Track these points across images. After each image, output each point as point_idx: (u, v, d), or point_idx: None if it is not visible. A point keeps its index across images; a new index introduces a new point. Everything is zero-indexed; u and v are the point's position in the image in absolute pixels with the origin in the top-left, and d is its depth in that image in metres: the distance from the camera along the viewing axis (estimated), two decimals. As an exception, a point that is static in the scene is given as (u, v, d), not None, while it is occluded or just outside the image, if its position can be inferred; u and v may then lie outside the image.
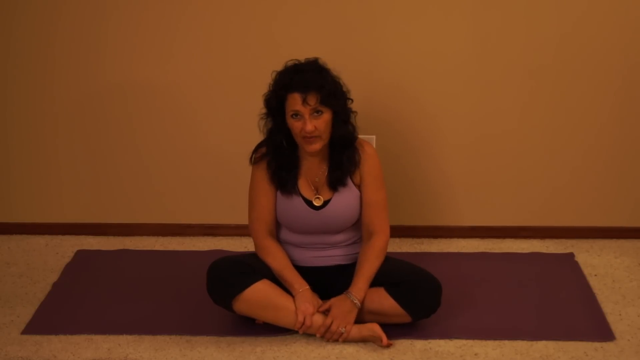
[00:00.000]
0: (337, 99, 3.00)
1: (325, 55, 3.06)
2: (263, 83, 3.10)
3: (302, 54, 3.05)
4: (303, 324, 2.97)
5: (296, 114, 2.96)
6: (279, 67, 3.04)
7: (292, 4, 3.56)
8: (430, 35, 3.58)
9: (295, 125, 2.98)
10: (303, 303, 2.98)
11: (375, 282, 3.04)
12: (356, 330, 2.98)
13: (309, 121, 2.95)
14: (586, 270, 3.49)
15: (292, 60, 3.02)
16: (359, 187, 3.12)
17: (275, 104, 3.01)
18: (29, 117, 3.75)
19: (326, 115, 2.98)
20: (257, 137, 3.14)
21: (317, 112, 2.96)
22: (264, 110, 3.08)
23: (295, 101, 2.95)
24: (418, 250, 3.69)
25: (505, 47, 3.58)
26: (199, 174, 3.79)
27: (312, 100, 2.94)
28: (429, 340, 3.00)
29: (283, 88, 2.98)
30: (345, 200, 3.10)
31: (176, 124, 3.73)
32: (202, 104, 3.70)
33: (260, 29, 3.59)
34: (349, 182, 3.11)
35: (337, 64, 3.05)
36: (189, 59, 3.64)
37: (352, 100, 3.08)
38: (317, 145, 3.00)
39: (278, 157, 3.08)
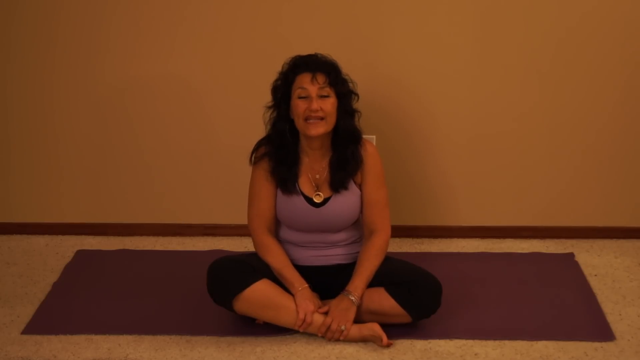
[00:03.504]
0: (344, 86, 3.05)
1: (327, 54, 3.08)
2: (265, 82, 3.11)
3: (307, 52, 3.08)
4: (304, 321, 2.97)
5: (302, 96, 2.98)
6: (281, 66, 3.08)
7: (298, 1, 3.56)
8: (431, 36, 3.58)
9: (300, 105, 2.99)
10: (304, 301, 2.98)
11: (375, 282, 3.04)
12: (356, 330, 2.98)
13: (315, 100, 2.97)
14: (586, 270, 3.49)
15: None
16: (359, 186, 3.13)
17: (283, 88, 3.04)
18: (29, 117, 3.75)
19: (332, 100, 3.01)
20: (259, 136, 3.14)
21: (324, 96, 2.99)
22: (268, 106, 3.10)
23: (304, 79, 3.00)
24: (418, 250, 3.69)
25: (506, 48, 3.58)
26: (199, 173, 3.79)
27: (321, 79, 2.99)
28: (429, 340, 3.00)
29: (293, 69, 3.03)
30: (345, 199, 3.10)
31: (176, 124, 3.73)
32: (202, 104, 3.70)
33: (265, 26, 3.59)
34: (350, 182, 3.11)
35: (340, 62, 3.07)
36: (190, 59, 3.64)
37: (358, 97, 3.10)
38: (320, 129, 3.00)
39: (279, 150, 3.08)
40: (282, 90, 3.05)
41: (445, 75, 3.63)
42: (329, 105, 3.00)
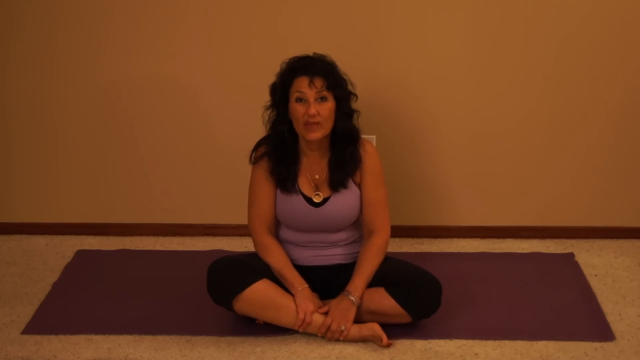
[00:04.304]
0: (343, 89, 3.03)
1: (327, 54, 3.07)
2: (264, 82, 3.11)
3: (305, 53, 3.07)
4: (304, 321, 2.97)
5: (300, 99, 2.98)
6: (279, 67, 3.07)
7: (297, 1, 3.56)
8: (431, 36, 3.58)
9: (298, 109, 2.98)
10: (304, 301, 2.98)
11: (375, 282, 3.04)
12: (356, 330, 2.98)
13: (312, 104, 2.96)
14: (586, 270, 3.49)
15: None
16: (359, 185, 3.13)
17: (281, 90, 3.03)
18: (29, 117, 3.75)
19: (330, 104, 3.00)
20: (258, 137, 3.14)
21: (322, 98, 2.98)
22: (267, 104, 3.10)
23: (301, 83, 2.98)
24: (418, 250, 3.69)
25: (506, 49, 3.58)
26: (199, 174, 3.79)
27: (319, 83, 2.97)
28: (429, 340, 3.00)
29: (291, 72, 3.01)
30: (345, 198, 3.10)
31: (176, 123, 3.73)
32: (202, 104, 3.70)
33: (264, 27, 3.59)
34: (350, 181, 3.11)
35: (338, 63, 3.07)
36: (190, 58, 3.64)
37: (357, 97, 3.09)
38: (317, 134, 3.00)
39: (279, 150, 3.08)
40: (280, 92, 3.05)
41: (445, 76, 3.63)
42: (327, 110, 2.99)
